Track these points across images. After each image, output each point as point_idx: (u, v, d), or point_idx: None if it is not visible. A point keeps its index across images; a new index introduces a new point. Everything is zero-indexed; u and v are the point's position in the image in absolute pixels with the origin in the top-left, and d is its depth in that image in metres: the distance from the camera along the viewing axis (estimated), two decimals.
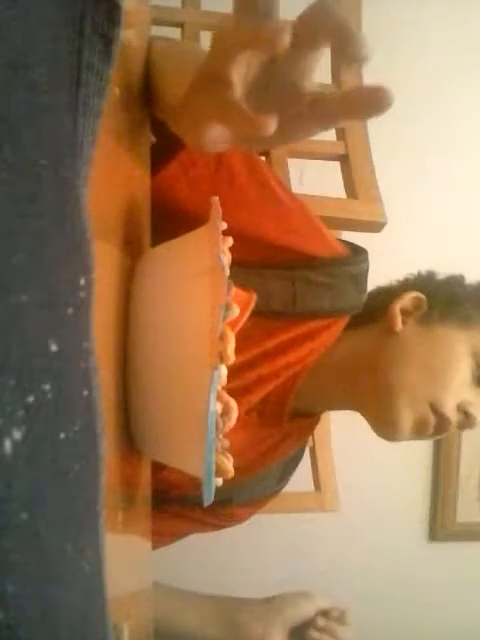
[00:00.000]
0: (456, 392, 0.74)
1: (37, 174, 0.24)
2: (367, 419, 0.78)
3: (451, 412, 0.73)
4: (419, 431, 0.75)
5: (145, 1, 0.57)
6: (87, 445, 0.28)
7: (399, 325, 0.77)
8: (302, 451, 0.92)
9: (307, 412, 0.81)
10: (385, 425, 0.76)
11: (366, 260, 0.80)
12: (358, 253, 0.79)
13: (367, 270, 0.80)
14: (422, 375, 0.74)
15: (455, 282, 0.82)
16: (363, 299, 0.81)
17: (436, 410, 0.73)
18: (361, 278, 0.79)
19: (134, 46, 0.52)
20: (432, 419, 0.73)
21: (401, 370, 0.75)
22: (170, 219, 0.60)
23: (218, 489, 0.46)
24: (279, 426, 0.80)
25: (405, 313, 0.78)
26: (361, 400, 0.78)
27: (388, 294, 0.82)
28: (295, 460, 0.90)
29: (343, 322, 0.81)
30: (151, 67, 0.56)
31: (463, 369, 0.74)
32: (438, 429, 0.74)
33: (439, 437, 0.78)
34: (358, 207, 1.02)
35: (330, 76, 1.10)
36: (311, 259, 0.73)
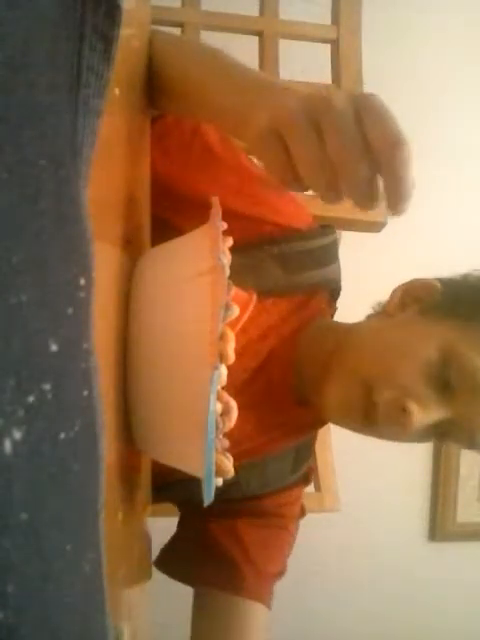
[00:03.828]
0: (398, 379, 0.65)
1: (37, 174, 0.24)
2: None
3: (382, 398, 0.65)
4: (345, 413, 0.70)
5: (145, 1, 0.57)
6: (87, 445, 0.28)
7: (392, 307, 0.74)
8: (313, 439, 0.90)
9: (314, 400, 0.80)
10: (320, 402, 0.73)
11: (331, 233, 0.81)
12: (324, 227, 0.81)
13: (332, 243, 0.81)
14: (372, 357, 0.68)
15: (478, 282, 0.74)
16: (336, 273, 0.81)
17: (369, 394, 0.66)
18: (323, 251, 0.80)
19: (134, 46, 0.52)
20: (360, 401, 0.67)
21: (358, 351, 0.70)
22: None
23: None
24: (287, 405, 0.77)
25: (412, 299, 0.73)
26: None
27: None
28: (306, 447, 0.86)
29: (323, 294, 0.80)
30: (160, 61, 0.57)
31: (420, 358, 0.65)
32: (367, 414, 0.67)
33: (375, 433, 0.70)
34: None
35: (330, 77, 1.10)
36: (277, 234, 0.74)
